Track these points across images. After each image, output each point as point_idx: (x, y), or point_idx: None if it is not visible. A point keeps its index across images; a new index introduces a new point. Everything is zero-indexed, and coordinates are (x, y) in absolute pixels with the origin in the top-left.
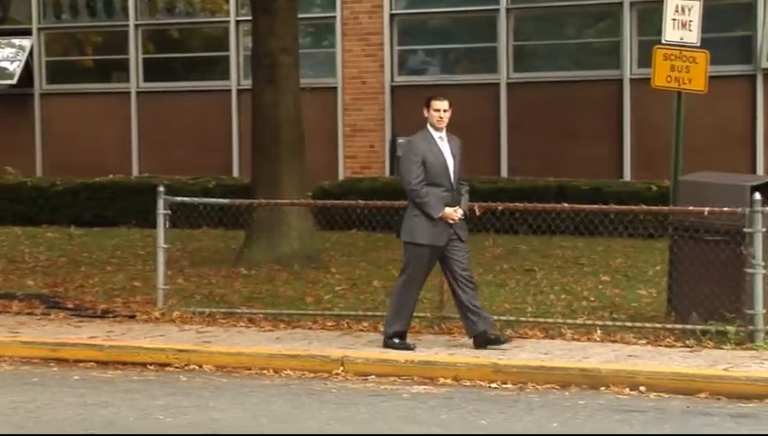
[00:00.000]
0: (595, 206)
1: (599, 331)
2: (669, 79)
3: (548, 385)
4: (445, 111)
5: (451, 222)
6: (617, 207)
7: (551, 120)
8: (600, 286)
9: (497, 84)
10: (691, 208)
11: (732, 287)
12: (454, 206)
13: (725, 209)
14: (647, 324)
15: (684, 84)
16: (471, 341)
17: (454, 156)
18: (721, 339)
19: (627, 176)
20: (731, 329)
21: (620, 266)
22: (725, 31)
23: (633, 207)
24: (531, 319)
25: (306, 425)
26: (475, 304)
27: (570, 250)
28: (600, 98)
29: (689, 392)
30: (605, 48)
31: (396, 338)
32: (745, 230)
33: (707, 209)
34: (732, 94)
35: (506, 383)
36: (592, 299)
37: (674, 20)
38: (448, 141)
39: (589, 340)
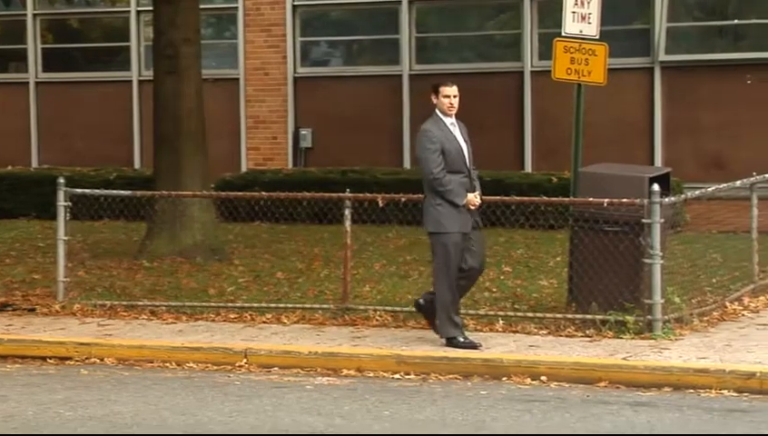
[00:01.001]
0: (497, 197)
1: (501, 322)
2: (569, 71)
3: (451, 376)
4: (455, 96)
5: (472, 208)
6: (518, 198)
7: None
8: (502, 277)
9: (400, 76)
10: (591, 199)
11: (631, 277)
12: (473, 193)
13: (624, 200)
14: (548, 315)
15: (583, 76)
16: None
17: (466, 141)
18: (620, 329)
19: (528, 168)
20: (630, 319)
21: (521, 257)
22: (624, 24)
23: (534, 198)
24: None
25: (209, 418)
26: (458, 299)
27: None
28: (501, 90)
29: (589, 382)
30: (506, 40)
31: (461, 337)
32: (644, 221)
33: (607, 200)
34: (630, 87)
35: (409, 374)
36: (494, 290)
37: (574, 13)
38: (458, 126)
39: (491, 330)
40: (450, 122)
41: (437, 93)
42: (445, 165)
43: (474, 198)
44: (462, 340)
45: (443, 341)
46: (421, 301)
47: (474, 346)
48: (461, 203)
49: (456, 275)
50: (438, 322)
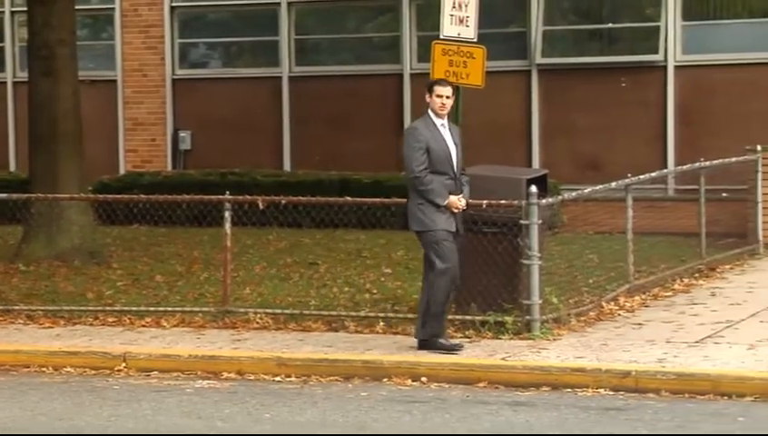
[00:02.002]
0: (377, 199)
1: (382, 324)
2: (448, 74)
3: (332, 378)
4: (447, 97)
5: (455, 211)
6: (399, 200)
7: (333, 114)
8: (382, 278)
9: (279, 78)
10: (470, 201)
11: (509, 278)
12: (457, 195)
13: (503, 202)
14: None
15: (462, 78)
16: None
17: (456, 144)
18: (499, 329)
19: None
20: (509, 319)
21: (401, 259)
22: (501, 27)
23: None
24: (315, 312)
25: (86, 422)
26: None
27: (353, 243)
28: (381, 92)
29: (469, 382)
30: (385, 42)
31: (443, 339)
32: (522, 222)
33: (485, 202)
34: (508, 89)
35: (290, 377)
36: (375, 291)
37: (452, 16)
38: (450, 129)
39: (372, 332)
40: (441, 123)
41: (430, 92)
42: (429, 165)
43: (456, 201)
44: (447, 343)
45: (416, 342)
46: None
47: (455, 348)
48: (442, 204)
49: (457, 270)
50: (422, 321)
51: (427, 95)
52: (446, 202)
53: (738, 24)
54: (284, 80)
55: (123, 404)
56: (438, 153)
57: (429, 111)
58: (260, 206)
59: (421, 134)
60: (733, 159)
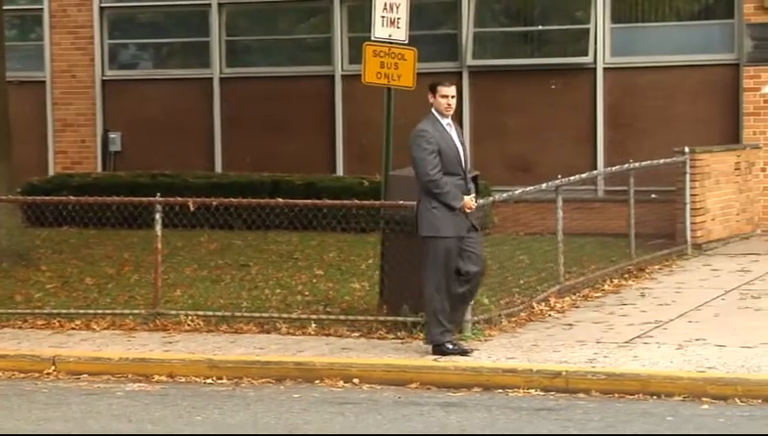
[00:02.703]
0: (309, 201)
1: (314, 325)
2: (379, 75)
3: (264, 379)
4: (453, 97)
5: (468, 211)
6: (330, 202)
7: (265, 115)
8: (314, 280)
9: (210, 79)
10: (401, 202)
11: None
12: (468, 195)
13: None
14: (360, 317)
15: (393, 80)
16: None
17: (462, 143)
18: None
19: (340, 171)
20: None
21: (333, 260)
22: (433, 29)
23: (345, 202)
24: (246, 314)
25: (15, 426)
26: (463, 312)
27: (285, 244)
28: (313, 94)
29: (401, 383)
30: (316, 44)
31: (449, 343)
32: None
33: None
34: None
35: (221, 379)
36: (306, 293)
37: (383, 17)
38: (454, 128)
39: (304, 333)
40: (447, 122)
41: (434, 92)
42: (441, 167)
43: (470, 201)
44: (450, 347)
45: (429, 348)
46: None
47: (465, 352)
48: (458, 206)
49: (449, 281)
50: (427, 329)
51: (430, 96)
52: (461, 203)
53: (666, 26)
54: (215, 81)
55: (51, 408)
56: (448, 155)
57: (434, 111)
58: (191, 208)
59: (432, 136)
60: (662, 160)
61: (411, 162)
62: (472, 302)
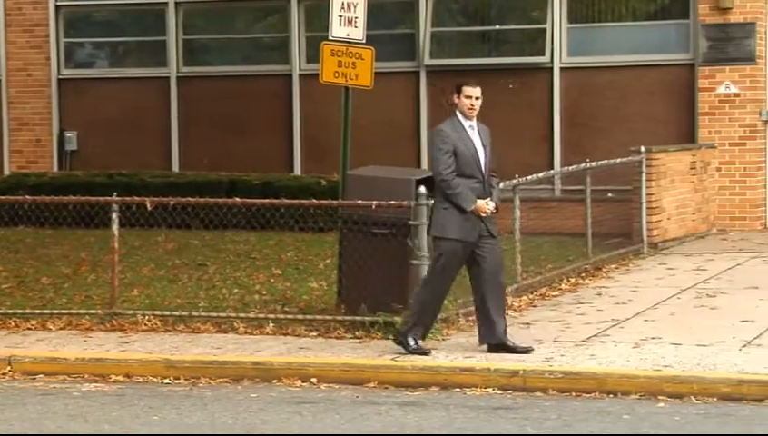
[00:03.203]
0: (266, 200)
1: (271, 325)
2: (336, 75)
3: (221, 379)
4: (477, 98)
5: (483, 215)
6: (288, 201)
7: (222, 115)
8: (272, 280)
9: (168, 78)
10: (359, 201)
11: (399, 278)
12: (485, 199)
13: (392, 202)
14: (318, 317)
15: (350, 79)
16: (484, 347)
17: (484, 146)
18: (389, 330)
19: (298, 171)
20: (398, 320)
21: (291, 260)
22: (390, 28)
23: (303, 201)
24: (204, 314)
25: None
26: (499, 312)
27: (242, 244)
28: (270, 93)
29: (359, 383)
30: (274, 43)
31: (412, 339)
32: (411, 222)
33: (375, 202)
34: (397, 90)
35: (178, 379)
36: (264, 293)
37: (341, 17)
38: (478, 130)
39: (262, 333)
40: (469, 124)
41: (459, 93)
42: (456, 168)
43: (485, 205)
44: (411, 343)
45: (393, 337)
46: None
47: (424, 352)
48: (469, 209)
49: (445, 283)
50: (404, 317)
51: (454, 96)
52: (473, 206)
53: (622, 27)
54: (172, 80)
55: (8, 408)
56: (465, 156)
57: (457, 112)
58: (149, 207)
59: (448, 136)
60: (618, 160)
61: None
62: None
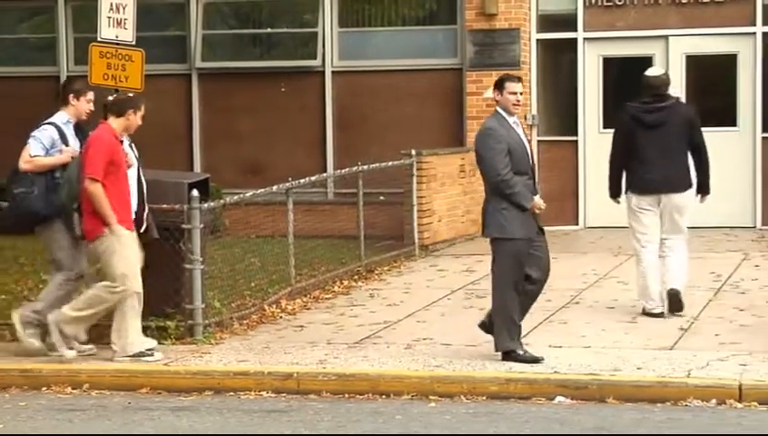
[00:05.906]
0: None
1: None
2: (106, 77)
3: None
4: (521, 93)
5: (537, 211)
6: None
7: None
8: (41, 285)
9: None
10: None
11: (173, 283)
12: (535, 195)
13: (165, 206)
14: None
15: (121, 81)
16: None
17: (529, 142)
18: (162, 334)
19: None
20: (171, 324)
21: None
22: (161, 30)
23: None
24: None
25: None
26: (522, 315)
27: (9, 249)
28: (40, 94)
29: (131, 388)
30: (41, 44)
31: (520, 349)
32: (184, 226)
33: (148, 206)
34: (169, 93)
35: None
36: (33, 299)
37: (110, 18)
38: (520, 126)
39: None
40: (513, 120)
41: (501, 88)
42: (511, 166)
43: (539, 201)
44: (521, 353)
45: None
46: (486, 320)
47: (536, 360)
48: (528, 206)
49: (520, 283)
50: (495, 335)
51: (495, 93)
52: (531, 203)
53: (392, 31)
54: None
55: None
56: (518, 153)
57: (500, 109)
58: None
59: (500, 135)
60: (390, 163)
61: (478, 161)
62: (203, 306)
